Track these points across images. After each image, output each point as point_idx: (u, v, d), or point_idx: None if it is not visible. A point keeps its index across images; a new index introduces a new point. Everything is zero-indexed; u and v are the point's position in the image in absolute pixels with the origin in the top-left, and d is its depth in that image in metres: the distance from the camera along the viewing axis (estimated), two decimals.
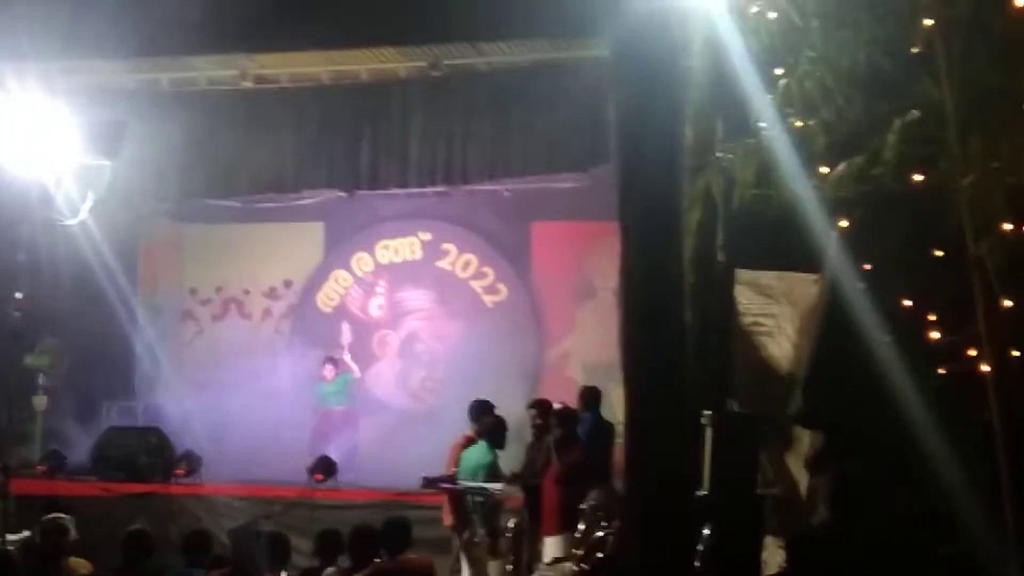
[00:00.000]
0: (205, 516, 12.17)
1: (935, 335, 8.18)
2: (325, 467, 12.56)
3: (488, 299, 15.14)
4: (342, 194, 14.53)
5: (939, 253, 8.00)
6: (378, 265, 15.54)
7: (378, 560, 7.85)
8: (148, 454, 13.75)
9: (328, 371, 14.70)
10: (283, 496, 12.31)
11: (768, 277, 10.79)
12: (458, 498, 10.60)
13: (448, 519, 10.80)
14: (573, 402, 11.25)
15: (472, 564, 10.32)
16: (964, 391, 8.11)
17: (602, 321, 13.44)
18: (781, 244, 9.43)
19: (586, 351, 14.44)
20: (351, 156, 13.67)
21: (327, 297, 15.70)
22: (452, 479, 10.70)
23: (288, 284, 15.84)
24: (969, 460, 8.30)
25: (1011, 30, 6.95)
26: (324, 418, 14.68)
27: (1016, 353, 8.21)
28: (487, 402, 11.13)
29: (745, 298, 10.88)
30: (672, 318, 6.33)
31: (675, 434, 6.41)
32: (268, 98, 13.79)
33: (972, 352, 8.33)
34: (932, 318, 8.14)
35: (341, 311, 15.63)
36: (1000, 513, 8.15)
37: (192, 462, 13.49)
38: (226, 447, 14.15)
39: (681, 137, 7.50)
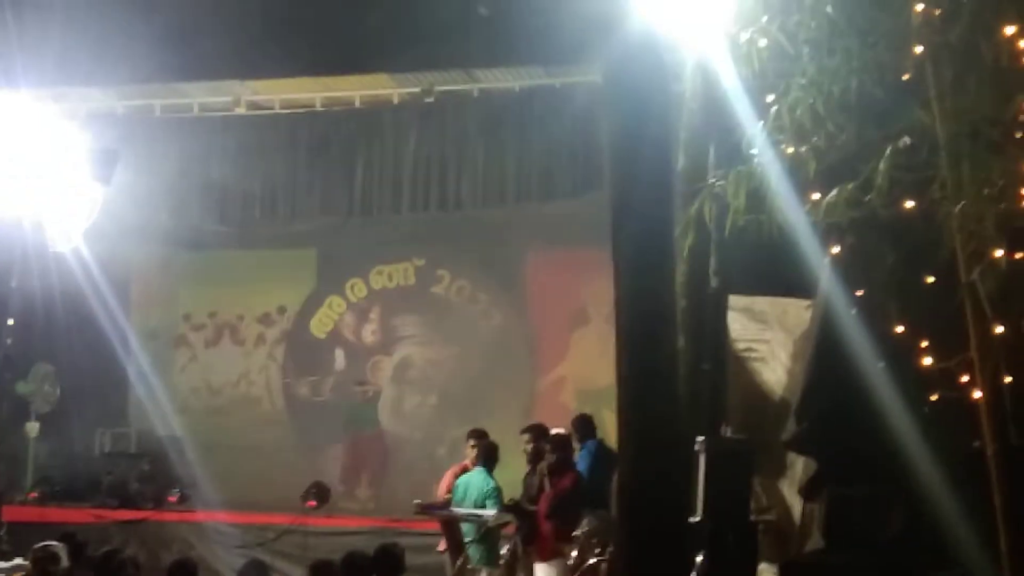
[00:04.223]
0: (198, 543, 12.13)
1: (927, 361, 8.17)
2: (318, 493, 12.52)
3: (482, 325, 15.10)
4: (336, 220, 14.52)
5: (931, 279, 7.99)
6: (372, 291, 15.50)
7: None
8: (140, 481, 13.73)
9: (361, 393, 14.78)
10: (276, 523, 12.24)
11: (761, 303, 10.78)
12: (452, 524, 10.56)
13: (442, 545, 10.75)
14: (567, 429, 11.21)
15: None
16: (956, 417, 8.10)
17: (596, 347, 13.41)
18: (774, 270, 9.43)
19: (580, 377, 14.38)
20: (344, 182, 13.68)
21: (321, 323, 15.66)
22: (446, 505, 10.65)
23: (282, 310, 15.79)
24: (962, 486, 8.29)
25: (1001, 56, 6.96)
26: (355, 442, 14.75)
27: (1008, 379, 8.22)
28: (483, 430, 11.11)
29: (739, 324, 10.86)
30: (665, 346, 6.31)
31: (667, 460, 6.38)
32: (261, 124, 13.81)
33: (965, 378, 8.33)
34: (924, 344, 8.13)
35: (335, 337, 15.59)
36: (993, 539, 8.14)
37: (185, 489, 13.43)
38: (221, 474, 14.09)
39: (673, 163, 7.52)
